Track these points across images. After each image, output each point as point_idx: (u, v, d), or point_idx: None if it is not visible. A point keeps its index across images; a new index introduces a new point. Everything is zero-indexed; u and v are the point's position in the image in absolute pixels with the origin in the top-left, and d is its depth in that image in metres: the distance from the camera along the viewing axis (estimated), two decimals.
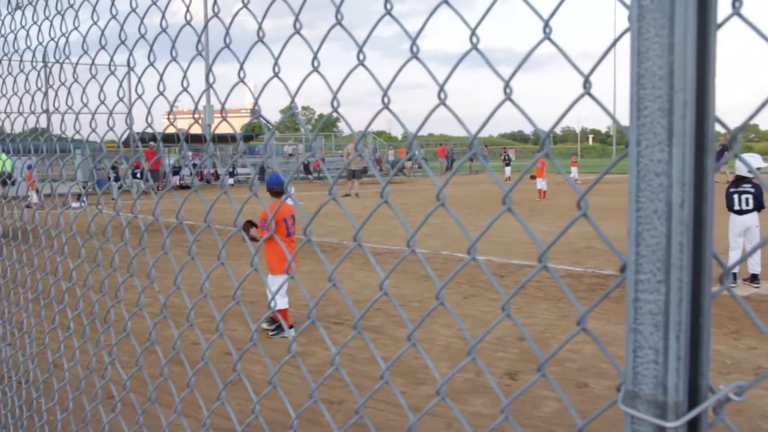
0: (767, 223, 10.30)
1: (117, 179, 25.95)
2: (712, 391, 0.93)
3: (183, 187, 33.60)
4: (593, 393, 6.24)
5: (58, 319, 3.02)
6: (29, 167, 4.08)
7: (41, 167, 3.24)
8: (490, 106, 1.24)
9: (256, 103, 1.93)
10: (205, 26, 2.14)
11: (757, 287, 9.95)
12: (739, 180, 9.83)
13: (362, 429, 1.79)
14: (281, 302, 8.06)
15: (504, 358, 7.22)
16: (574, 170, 38.65)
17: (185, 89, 2.14)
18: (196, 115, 2.07)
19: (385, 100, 1.38)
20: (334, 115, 1.57)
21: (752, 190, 9.70)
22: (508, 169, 42.27)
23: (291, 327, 8.48)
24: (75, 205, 2.93)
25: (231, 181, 36.85)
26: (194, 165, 31.11)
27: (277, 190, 8.32)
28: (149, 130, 2.45)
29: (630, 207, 0.91)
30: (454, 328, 8.22)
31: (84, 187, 17.62)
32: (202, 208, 2.03)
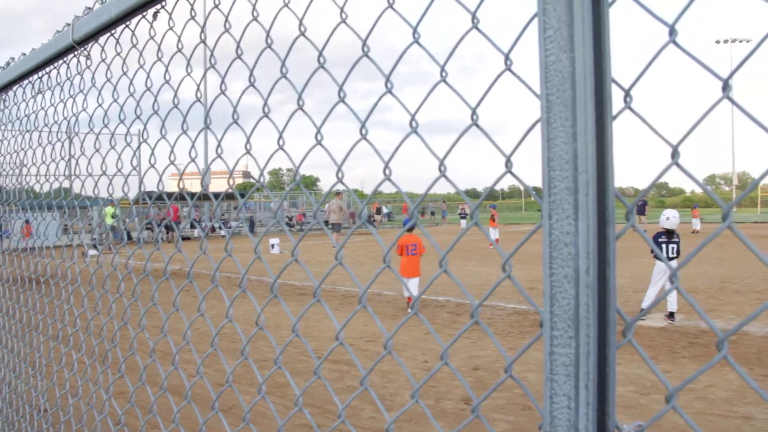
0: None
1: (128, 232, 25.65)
2: (618, 429, 0.91)
3: (185, 238, 33.07)
4: (537, 415, 6.17)
5: (65, 359, 2.94)
6: (27, 221, 4.02)
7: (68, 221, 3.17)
8: (435, 166, 1.22)
9: (261, 174, 1.90)
10: (212, 104, 2.13)
11: (672, 322, 10.31)
12: (670, 233, 10.48)
13: None
14: (413, 292, 10.72)
15: (460, 386, 7.14)
16: None
17: (193, 160, 2.11)
18: (199, 179, 2.04)
19: (339, 175, 1.37)
20: (315, 175, 1.56)
21: (677, 240, 10.50)
22: (463, 222, 41.90)
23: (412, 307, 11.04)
24: (92, 253, 2.87)
25: (224, 233, 36.50)
26: (197, 221, 30.87)
27: (409, 227, 10.28)
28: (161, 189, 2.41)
29: (544, 272, 0.90)
30: (418, 361, 8.13)
31: (97, 238, 17.40)
32: (199, 255, 1.98)
